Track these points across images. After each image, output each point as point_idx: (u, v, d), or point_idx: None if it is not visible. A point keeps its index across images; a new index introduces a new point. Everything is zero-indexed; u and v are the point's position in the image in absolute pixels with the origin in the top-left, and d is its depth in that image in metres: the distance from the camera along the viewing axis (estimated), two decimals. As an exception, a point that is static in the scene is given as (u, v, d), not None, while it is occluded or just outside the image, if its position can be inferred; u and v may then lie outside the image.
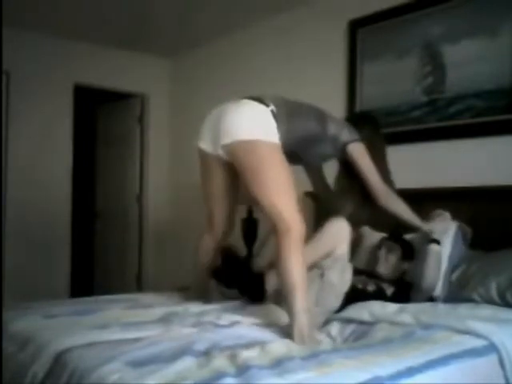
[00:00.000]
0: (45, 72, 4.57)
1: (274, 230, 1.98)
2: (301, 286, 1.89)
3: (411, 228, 2.53)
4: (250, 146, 1.99)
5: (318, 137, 2.27)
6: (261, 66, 4.16)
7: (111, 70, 4.90)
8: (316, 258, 2.25)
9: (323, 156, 2.41)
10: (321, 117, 2.29)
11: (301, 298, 1.87)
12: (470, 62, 2.86)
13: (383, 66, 3.25)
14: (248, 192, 2.05)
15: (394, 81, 3.20)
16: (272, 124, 2.04)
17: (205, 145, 2.19)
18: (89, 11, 4.05)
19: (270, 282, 2.24)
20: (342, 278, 2.25)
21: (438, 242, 2.45)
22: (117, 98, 5.35)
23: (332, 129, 2.29)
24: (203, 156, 2.23)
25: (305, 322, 1.84)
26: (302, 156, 2.33)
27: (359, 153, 2.37)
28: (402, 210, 2.45)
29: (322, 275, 2.23)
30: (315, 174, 2.64)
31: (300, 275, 1.90)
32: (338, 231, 2.32)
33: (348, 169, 2.46)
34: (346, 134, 2.34)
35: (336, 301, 2.23)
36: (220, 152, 2.10)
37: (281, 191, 1.99)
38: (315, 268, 2.24)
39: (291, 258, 1.91)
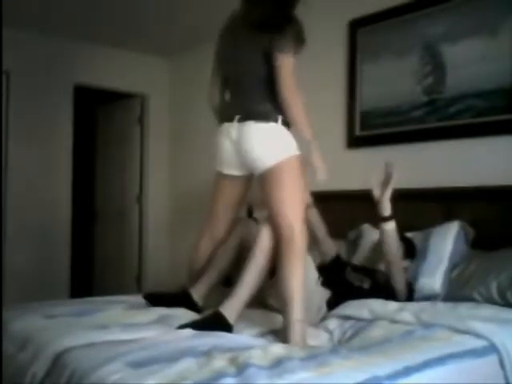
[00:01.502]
0: (45, 72, 4.57)
1: (279, 239, 2.03)
2: (298, 297, 1.93)
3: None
4: (274, 170, 2.08)
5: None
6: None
7: (111, 70, 4.91)
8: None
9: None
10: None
11: (297, 309, 1.91)
12: (470, 62, 2.86)
13: (383, 66, 3.24)
14: (263, 203, 2.15)
15: (394, 81, 3.19)
16: (287, 136, 2.10)
17: (229, 170, 2.26)
18: (88, 11, 4.05)
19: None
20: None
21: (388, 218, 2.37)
22: (117, 98, 5.35)
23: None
24: (221, 175, 2.31)
25: (300, 332, 1.88)
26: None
27: (284, 63, 2.08)
28: (296, 112, 2.08)
29: None
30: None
31: (298, 286, 1.95)
32: None
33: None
34: (278, 45, 2.09)
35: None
36: (248, 173, 2.22)
37: (294, 204, 2.08)
38: None
39: (292, 268, 1.96)
